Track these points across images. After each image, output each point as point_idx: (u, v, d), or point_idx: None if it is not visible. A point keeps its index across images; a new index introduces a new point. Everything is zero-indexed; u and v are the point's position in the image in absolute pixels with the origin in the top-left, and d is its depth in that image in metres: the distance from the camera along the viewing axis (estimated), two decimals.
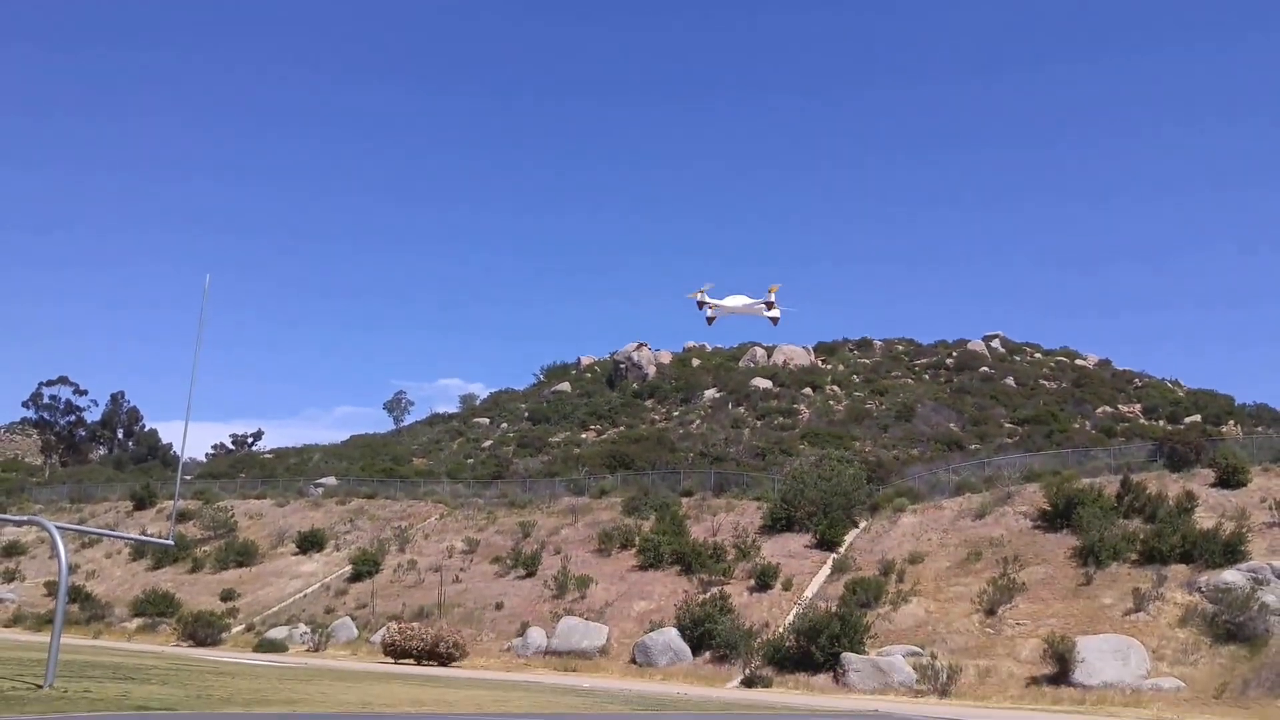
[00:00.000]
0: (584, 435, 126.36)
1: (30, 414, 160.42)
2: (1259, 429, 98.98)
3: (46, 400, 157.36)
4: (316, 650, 61.46)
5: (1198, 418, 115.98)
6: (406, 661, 55.17)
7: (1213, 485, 59.08)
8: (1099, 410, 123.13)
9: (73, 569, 73.18)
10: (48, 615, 64.70)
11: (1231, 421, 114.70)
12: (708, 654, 53.17)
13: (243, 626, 68.44)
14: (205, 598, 73.03)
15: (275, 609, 70.59)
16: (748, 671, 50.11)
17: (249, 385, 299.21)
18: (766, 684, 48.70)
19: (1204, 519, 54.50)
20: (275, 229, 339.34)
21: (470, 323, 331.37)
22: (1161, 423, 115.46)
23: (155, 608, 71.79)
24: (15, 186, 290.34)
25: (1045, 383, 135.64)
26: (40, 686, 23.70)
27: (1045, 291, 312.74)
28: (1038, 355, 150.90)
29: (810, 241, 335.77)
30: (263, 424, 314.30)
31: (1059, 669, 45.08)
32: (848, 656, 48.25)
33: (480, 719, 23.56)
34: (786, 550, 63.68)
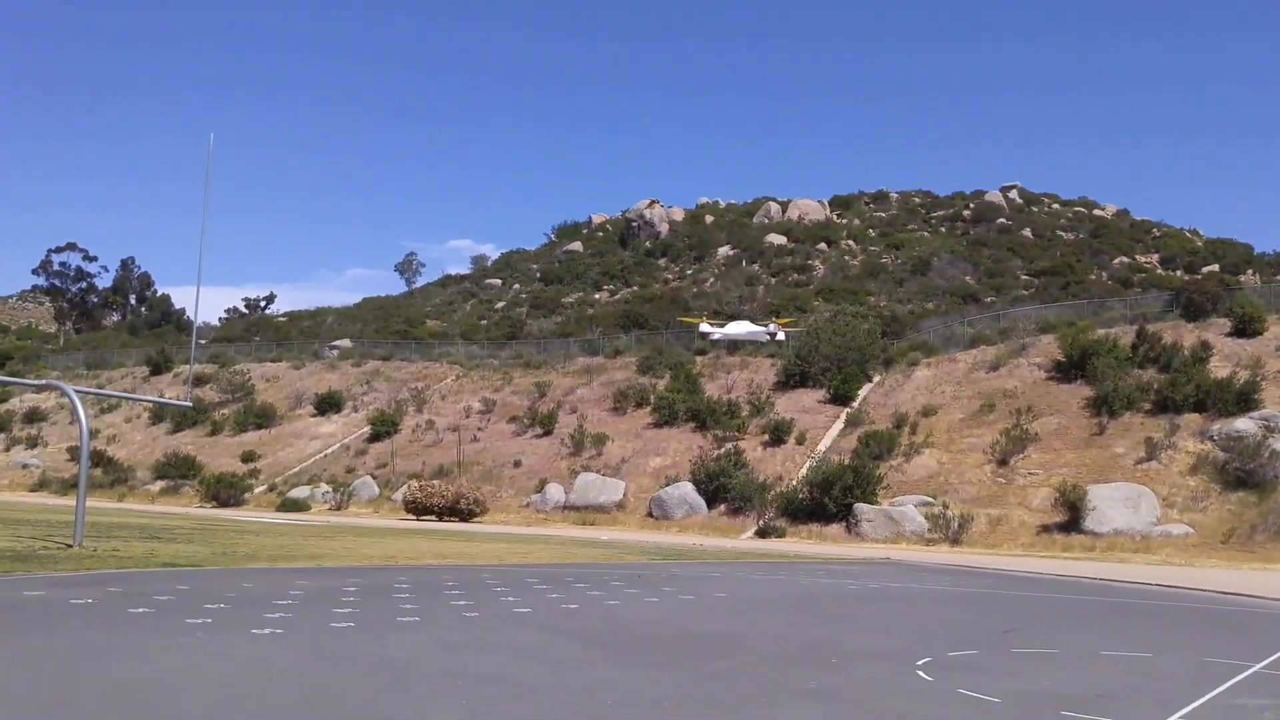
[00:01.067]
0: (597, 295, 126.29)
1: (41, 281, 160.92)
2: (1278, 277, 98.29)
3: (56, 267, 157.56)
4: (338, 509, 62.77)
5: (1216, 267, 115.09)
6: (428, 518, 56.36)
7: (1228, 334, 58.91)
8: (1116, 261, 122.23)
9: (93, 434, 74.31)
10: (72, 480, 65.98)
11: (1250, 270, 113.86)
12: (722, 507, 54.11)
13: (265, 487, 69.80)
14: (226, 460, 74.31)
15: (296, 469, 71.86)
16: (762, 523, 51.06)
17: (259, 249, 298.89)
18: (780, 534, 49.67)
19: (1218, 368, 54.52)
20: (284, 94, 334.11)
21: (480, 183, 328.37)
22: (1179, 273, 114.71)
23: (177, 470, 73.15)
24: (18, 57, 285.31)
25: (1062, 234, 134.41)
26: (70, 546, 24.27)
27: (1064, 133, 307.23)
28: (1055, 206, 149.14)
29: (827, 74, 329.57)
30: (274, 287, 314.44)
31: (1070, 517, 45.77)
32: (860, 507, 49.02)
33: (503, 569, 24.13)
34: (800, 405, 64.15)
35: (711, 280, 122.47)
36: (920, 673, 11.76)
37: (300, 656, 11.23)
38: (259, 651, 11.37)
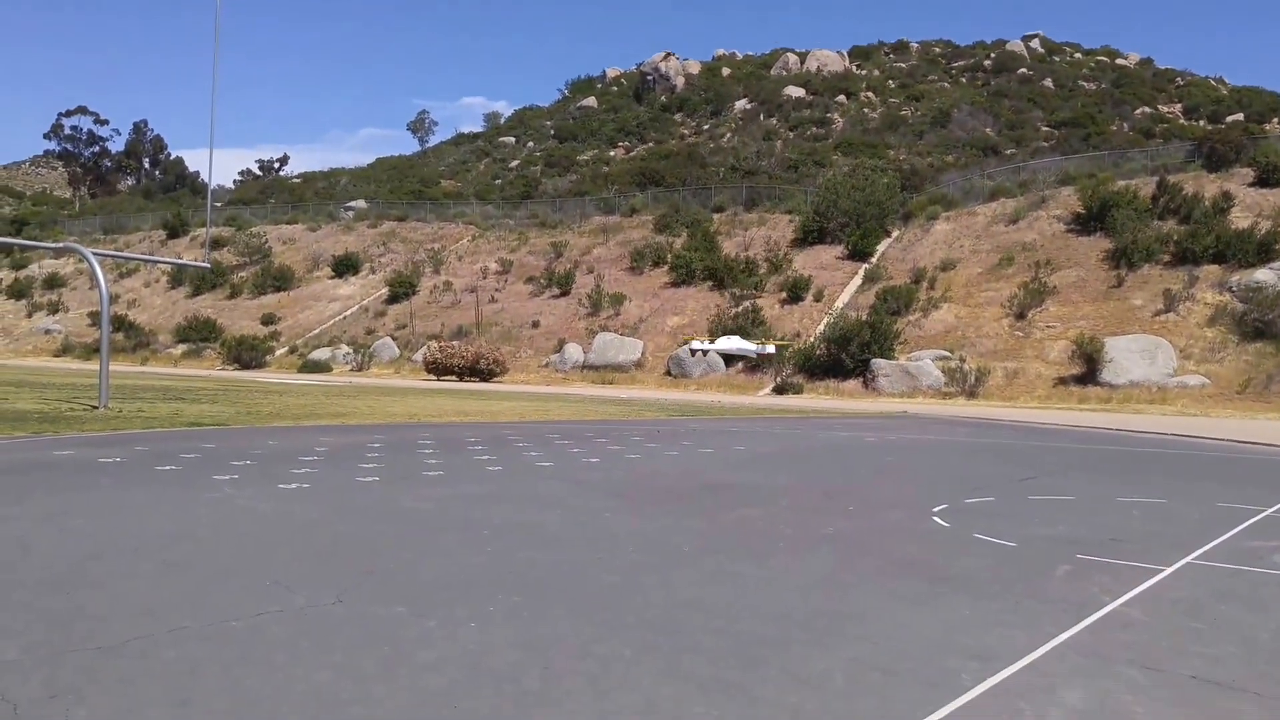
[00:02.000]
0: (612, 153, 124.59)
1: (53, 146, 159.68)
2: None
3: (68, 131, 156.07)
4: (359, 370, 63.36)
5: (1240, 116, 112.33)
6: (448, 378, 56.88)
7: (1251, 185, 57.86)
8: (1138, 111, 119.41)
9: (113, 299, 74.68)
10: (94, 344, 66.63)
11: (1276, 119, 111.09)
12: (740, 365, 54.36)
13: (285, 349, 70.37)
14: (246, 322, 74.76)
15: (316, 331, 72.30)
16: (779, 380, 51.35)
17: (271, 111, 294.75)
18: (797, 391, 49.99)
19: (1239, 219, 53.72)
20: None
21: (492, 38, 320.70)
22: (1202, 123, 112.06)
23: (198, 333, 73.75)
24: None
25: (1084, 84, 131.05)
26: (95, 408, 24.61)
27: None
28: (1077, 55, 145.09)
29: None
30: (287, 149, 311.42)
31: (1086, 369, 45.85)
32: (877, 362, 49.17)
33: (524, 426, 24.42)
34: (818, 262, 63.77)
35: (728, 135, 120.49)
36: (936, 519, 11.90)
37: (327, 509, 11.43)
38: (287, 505, 11.57)
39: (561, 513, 11.77)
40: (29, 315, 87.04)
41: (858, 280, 60.76)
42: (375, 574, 8.20)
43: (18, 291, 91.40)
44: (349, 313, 74.89)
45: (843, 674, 6.17)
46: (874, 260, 63.02)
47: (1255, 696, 5.96)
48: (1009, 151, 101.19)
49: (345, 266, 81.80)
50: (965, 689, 5.85)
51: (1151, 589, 8.58)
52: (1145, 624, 7.50)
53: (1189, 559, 9.89)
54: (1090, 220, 57.75)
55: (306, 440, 18.97)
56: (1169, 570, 9.32)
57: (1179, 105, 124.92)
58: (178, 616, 6.79)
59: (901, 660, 6.46)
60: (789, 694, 5.79)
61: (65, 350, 75.72)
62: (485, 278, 74.00)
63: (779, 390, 50.46)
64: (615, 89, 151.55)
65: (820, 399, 47.12)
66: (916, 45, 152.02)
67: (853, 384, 49.65)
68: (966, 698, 5.72)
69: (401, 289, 73.75)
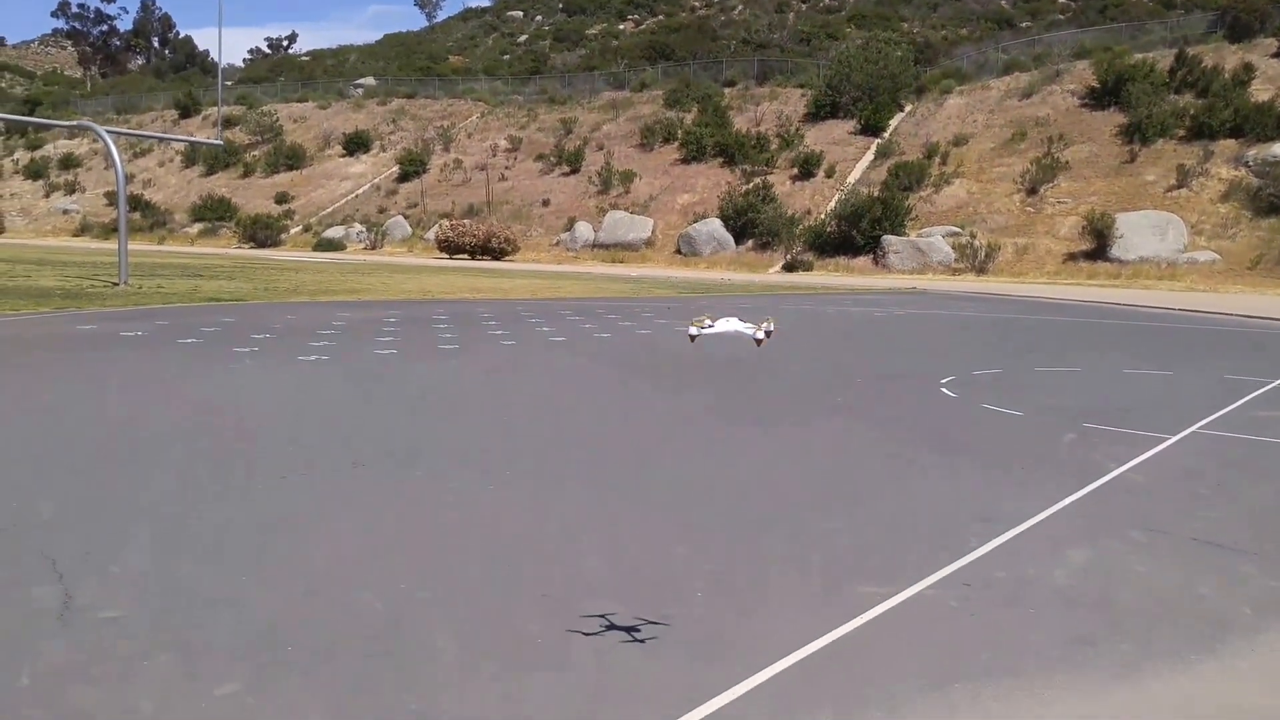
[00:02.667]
0: (621, 26, 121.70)
1: (61, 24, 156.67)
2: None
3: (75, 9, 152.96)
4: (373, 248, 63.20)
5: None
6: (460, 257, 56.71)
7: (1274, 55, 56.31)
8: None
9: (129, 178, 74.16)
10: (112, 224, 66.38)
11: None
12: (750, 242, 53.97)
13: (299, 228, 70.12)
14: (260, 201, 74.34)
15: (329, 210, 71.92)
16: (789, 257, 51.07)
17: None
18: (808, 268, 49.75)
19: (1260, 92, 52.46)
20: None
21: None
22: None
23: (214, 213, 73.42)
24: None
25: None
26: (116, 284, 24.66)
27: None
28: None
29: None
30: (295, 27, 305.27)
31: (1096, 245, 45.43)
32: (888, 239, 48.79)
33: (536, 303, 24.43)
34: (830, 137, 62.76)
35: (739, 7, 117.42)
36: (945, 390, 11.95)
37: (346, 380, 11.52)
38: (307, 376, 11.66)
39: (574, 385, 11.85)
40: (46, 196, 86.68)
41: (870, 156, 59.89)
42: (394, 442, 8.30)
43: (34, 172, 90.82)
44: (361, 191, 74.37)
45: (850, 535, 6.26)
46: (886, 135, 61.99)
47: (1254, 556, 6.05)
48: (1024, 24, 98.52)
49: (356, 144, 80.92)
50: (971, 549, 5.94)
51: (1156, 456, 8.64)
52: (1149, 489, 7.57)
53: (1194, 428, 9.93)
54: (1105, 95, 56.46)
55: (323, 315, 19.03)
56: (1174, 439, 9.37)
57: None
58: (204, 481, 6.90)
59: (909, 523, 6.55)
60: (797, 552, 5.89)
61: (83, 230, 75.58)
62: (495, 155, 73.17)
63: (789, 268, 50.22)
64: None
65: (830, 276, 46.92)
66: None
67: (863, 261, 49.37)
68: (972, 556, 5.81)
69: (412, 167, 73.05)
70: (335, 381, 11.42)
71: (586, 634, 4.53)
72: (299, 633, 4.51)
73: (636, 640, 4.50)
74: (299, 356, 13.05)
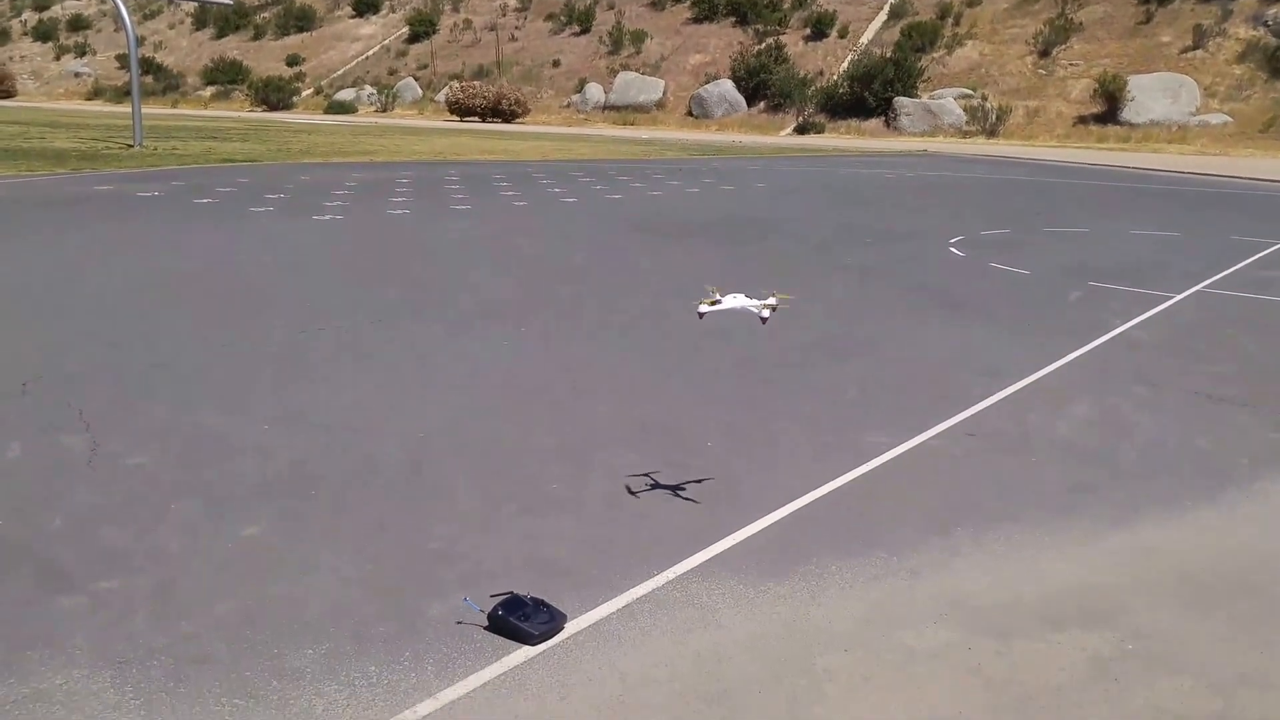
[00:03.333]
0: None
1: None
2: None
3: None
4: (383, 110, 62.16)
5: None
6: (471, 119, 55.77)
7: None
8: None
9: (140, 41, 72.58)
10: (124, 87, 65.25)
11: None
12: (762, 104, 52.90)
13: (311, 90, 68.89)
14: (271, 64, 72.88)
15: (340, 72, 70.53)
16: (801, 119, 50.11)
17: None
18: (819, 130, 48.87)
19: None
20: None
21: None
22: None
23: (225, 76, 72.07)
24: None
25: None
26: (131, 146, 24.36)
27: None
28: None
29: None
30: None
31: (1107, 108, 44.42)
32: (899, 101, 47.75)
33: (547, 165, 24.09)
34: None
35: None
36: (953, 250, 11.82)
37: (361, 239, 11.43)
38: (322, 235, 11.57)
39: (587, 244, 11.75)
40: (57, 58, 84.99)
41: (883, 16, 58.12)
42: (410, 299, 8.27)
43: (43, 34, 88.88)
44: (370, 53, 72.75)
45: (856, 386, 6.26)
46: None
47: (1253, 409, 6.04)
48: None
49: (365, 5, 78.80)
50: (975, 400, 5.94)
51: (1161, 314, 8.58)
52: (1153, 345, 7.53)
53: (1199, 287, 9.84)
54: None
55: (337, 176, 18.81)
56: (1179, 297, 9.29)
57: None
58: (224, 336, 6.90)
59: (914, 376, 6.54)
60: (805, 403, 5.90)
61: (96, 94, 74.34)
62: (505, 15, 71.24)
63: (800, 130, 49.34)
64: None
65: (841, 138, 46.11)
66: None
67: (874, 123, 48.45)
68: (977, 408, 5.81)
69: (421, 28, 71.25)
70: (350, 241, 11.34)
71: (633, 492, 4.57)
72: (320, 478, 4.56)
73: (681, 497, 4.53)
74: (314, 216, 12.94)
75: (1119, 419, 5.79)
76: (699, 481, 4.59)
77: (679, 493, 4.49)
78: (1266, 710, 3.10)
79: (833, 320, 8.16)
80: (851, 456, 5.02)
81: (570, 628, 3.40)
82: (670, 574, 3.82)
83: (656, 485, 4.52)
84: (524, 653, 3.24)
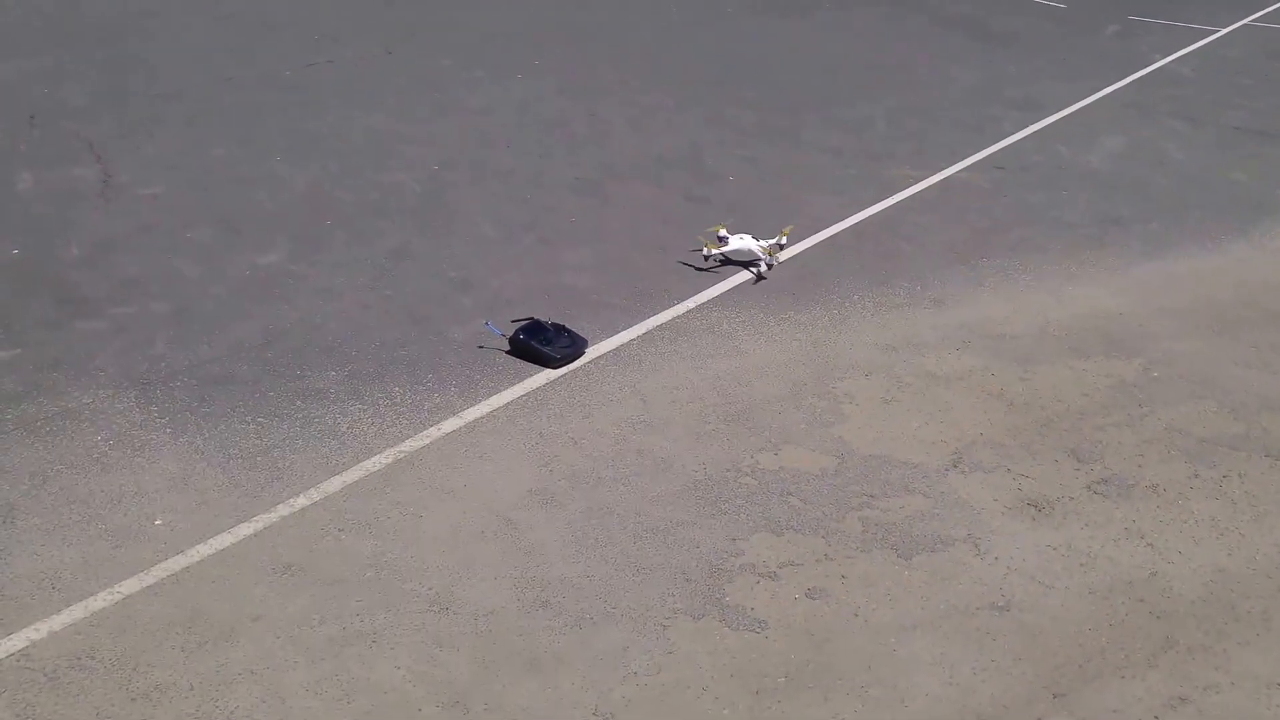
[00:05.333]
0: None
1: None
2: None
3: None
4: None
5: None
6: None
7: None
8: None
9: None
10: None
11: None
12: None
13: None
14: None
15: None
16: None
17: None
18: None
19: None
20: None
21: None
22: None
23: None
24: None
25: None
26: None
27: None
28: None
29: None
30: None
31: None
32: None
33: None
34: None
35: None
36: None
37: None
38: None
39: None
40: None
41: None
42: (419, 28, 7.87)
43: None
44: None
45: (885, 120, 5.99)
46: None
47: None
48: None
49: None
50: (1007, 134, 5.69)
51: (1204, 48, 8.11)
52: (1193, 80, 7.15)
53: (1248, 19, 9.26)
54: None
55: None
56: (1224, 31, 8.76)
57: None
58: (232, 66, 6.60)
59: (943, 107, 6.24)
60: (831, 137, 5.65)
61: None
62: None
63: None
64: None
65: None
66: None
67: None
68: (1007, 141, 5.58)
69: None
70: None
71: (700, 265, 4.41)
72: (335, 208, 4.43)
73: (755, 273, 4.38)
74: None
75: (1153, 152, 5.55)
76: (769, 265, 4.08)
77: (752, 269, 4.03)
78: None
79: (860, 51, 7.74)
80: (876, 189, 4.84)
81: (590, 353, 3.36)
82: (690, 303, 3.74)
83: (727, 261, 4.06)
84: (545, 375, 3.21)
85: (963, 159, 5.26)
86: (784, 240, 4.08)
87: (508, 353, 3.32)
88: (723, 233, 4.03)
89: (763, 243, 4.00)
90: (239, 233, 4.15)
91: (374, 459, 2.75)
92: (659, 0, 9.50)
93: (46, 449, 2.75)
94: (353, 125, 5.52)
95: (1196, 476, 2.81)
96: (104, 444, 2.78)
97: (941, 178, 5.02)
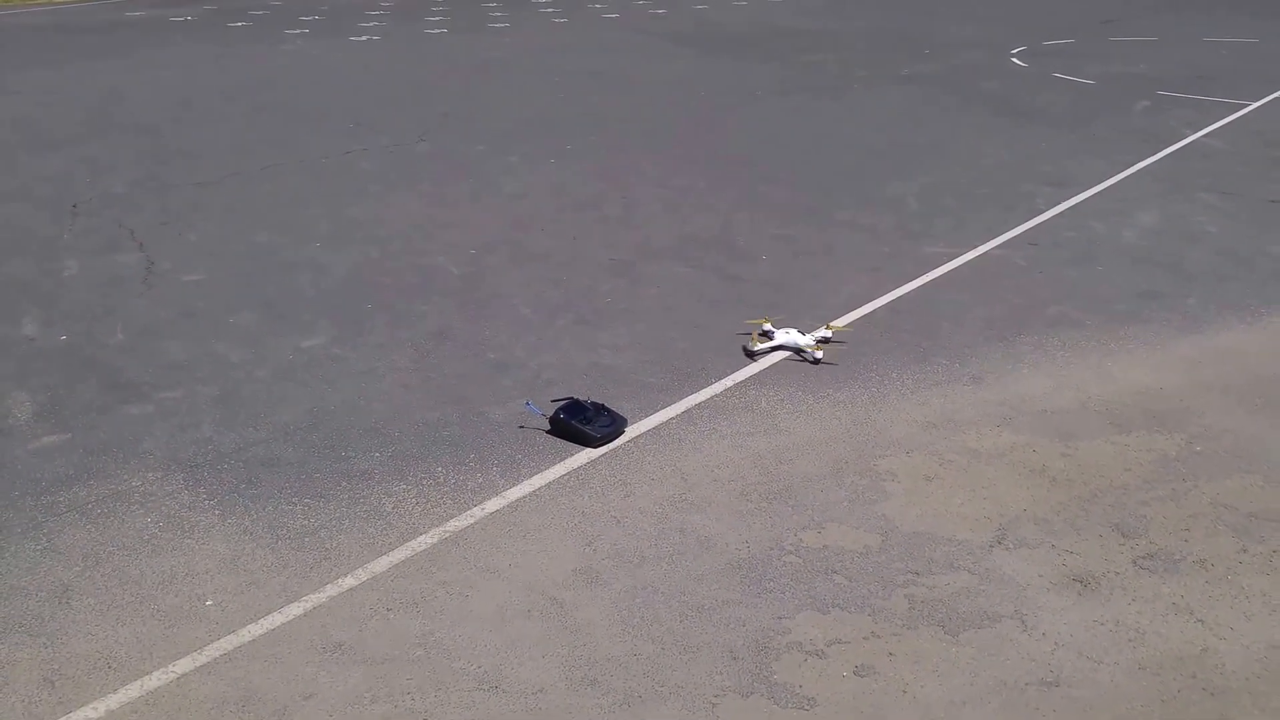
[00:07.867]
0: None
1: None
2: None
3: None
4: None
5: None
6: None
7: None
8: None
9: None
10: None
11: None
12: None
13: None
14: None
15: None
16: None
17: None
18: None
19: None
20: None
21: None
22: None
23: None
24: None
25: None
26: None
27: None
28: None
29: None
30: None
31: None
32: None
33: None
34: None
35: None
36: (1015, 60, 11.36)
37: (400, 58, 11.18)
38: (360, 55, 11.31)
39: (632, 59, 11.40)
40: None
41: None
42: (454, 116, 8.13)
43: None
44: None
45: (918, 197, 6.11)
46: None
47: None
48: None
49: None
50: (1040, 211, 5.79)
51: (1235, 122, 8.23)
52: (1226, 154, 7.25)
53: (1278, 95, 9.40)
54: None
55: None
56: (1255, 105, 8.90)
57: None
58: (270, 155, 6.84)
59: (977, 185, 6.36)
60: (864, 215, 5.77)
61: None
62: None
63: None
64: None
65: None
66: None
67: None
68: (1041, 218, 5.67)
69: None
70: (389, 60, 11.10)
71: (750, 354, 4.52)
72: (376, 292, 4.57)
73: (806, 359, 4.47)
74: (350, 37, 12.65)
75: (1189, 227, 5.63)
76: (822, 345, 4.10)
77: (802, 355, 4.05)
78: None
79: (891, 131, 7.92)
80: (912, 266, 4.94)
81: (630, 431, 3.44)
82: (729, 381, 3.82)
83: (778, 347, 4.07)
84: (586, 454, 3.29)
85: (997, 235, 5.36)
86: (830, 334, 4.13)
87: (548, 432, 3.41)
88: (767, 326, 4.14)
89: (808, 337, 4.06)
90: (282, 317, 4.29)
91: (420, 539, 2.83)
92: (689, 84, 9.78)
93: (99, 531, 2.85)
94: (391, 211, 5.71)
95: (1245, 551, 2.84)
96: (154, 526, 2.87)
97: (976, 254, 5.12)
